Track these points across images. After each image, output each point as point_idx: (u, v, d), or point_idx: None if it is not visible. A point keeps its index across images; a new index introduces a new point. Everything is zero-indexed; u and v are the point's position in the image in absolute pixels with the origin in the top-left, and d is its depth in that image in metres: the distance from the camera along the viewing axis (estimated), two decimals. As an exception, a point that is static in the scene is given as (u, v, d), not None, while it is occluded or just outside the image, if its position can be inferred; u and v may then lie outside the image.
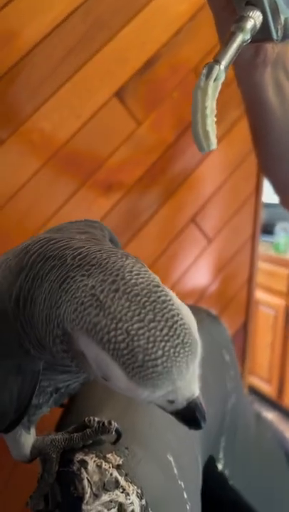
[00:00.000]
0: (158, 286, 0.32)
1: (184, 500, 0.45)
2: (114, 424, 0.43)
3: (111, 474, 0.40)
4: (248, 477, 0.80)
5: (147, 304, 0.31)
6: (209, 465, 0.71)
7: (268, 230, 2.37)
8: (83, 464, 0.40)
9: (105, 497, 0.38)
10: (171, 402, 0.33)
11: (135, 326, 0.31)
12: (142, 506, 0.39)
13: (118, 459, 0.41)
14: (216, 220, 1.25)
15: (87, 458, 0.41)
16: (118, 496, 0.38)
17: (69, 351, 0.35)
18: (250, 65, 0.55)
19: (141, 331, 0.30)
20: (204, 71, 0.42)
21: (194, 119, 0.44)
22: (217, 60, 0.42)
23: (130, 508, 0.38)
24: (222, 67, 0.41)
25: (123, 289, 0.32)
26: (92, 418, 0.44)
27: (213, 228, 1.24)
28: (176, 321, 0.31)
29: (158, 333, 0.31)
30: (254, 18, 0.43)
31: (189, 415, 0.33)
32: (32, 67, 0.93)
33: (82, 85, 0.98)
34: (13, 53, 0.92)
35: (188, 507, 0.46)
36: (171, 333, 0.31)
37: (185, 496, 0.46)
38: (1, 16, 0.90)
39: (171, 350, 0.31)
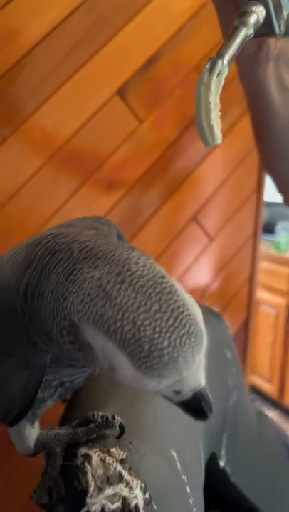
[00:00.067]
0: (164, 278, 0.33)
1: (187, 495, 0.45)
2: (118, 419, 0.43)
3: (115, 468, 0.40)
4: (250, 474, 0.80)
5: (153, 294, 0.32)
6: (211, 462, 0.71)
7: (269, 229, 2.37)
8: (87, 458, 0.41)
9: (109, 490, 0.38)
10: (178, 392, 0.33)
11: (141, 316, 0.31)
12: (145, 500, 0.39)
13: (122, 453, 0.41)
14: (217, 219, 1.25)
15: (91, 452, 0.41)
16: (122, 489, 0.38)
17: (76, 342, 0.35)
18: (252, 60, 0.55)
19: (147, 322, 0.31)
20: (207, 66, 0.42)
21: (198, 114, 0.44)
22: (220, 55, 0.42)
23: (134, 502, 0.38)
24: (225, 61, 0.41)
25: (129, 280, 0.32)
26: (96, 413, 0.44)
27: (215, 226, 1.24)
28: (182, 312, 0.31)
29: (164, 323, 0.31)
30: (257, 13, 0.43)
31: (195, 406, 0.33)
32: (34, 66, 0.93)
33: (83, 83, 0.98)
34: (14, 51, 0.92)
35: (191, 501, 0.46)
36: (177, 324, 0.31)
37: (188, 490, 0.46)
38: (2, 14, 0.90)
39: (177, 341, 0.31)
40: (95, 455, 0.41)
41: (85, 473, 0.39)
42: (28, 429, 0.44)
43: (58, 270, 0.35)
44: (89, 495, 0.38)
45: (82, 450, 0.42)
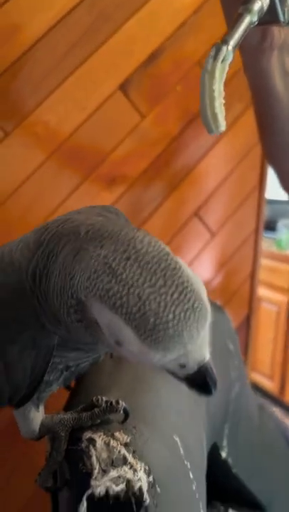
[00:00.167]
0: (168, 255, 0.33)
1: (190, 480, 0.46)
2: (122, 404, 0.44)
3: (119, 451, 0.40)
4: (251, 466, 0.80)
5: (158, 270, 0.32)
6: (213, 452, 0.71)
7: (271, 226, 2.38)
8: (91, 441, 0.41)
9: (113, 473, 0.39)
10: (183, 366, 0.34)
11: (146, 291, 0.31)
12: (149, 483, 0.39)
13: (126, 437, 0.42)
14: (219, 214, 1.25)
15: (95, 436, 0.41)
16: (126, 472, 0.39)
17: (83, 320, 0.36)
18: (257, 49, 0.55)
19: (152, 296, 0.31)
20: (212, 52, 0.42)
21: (202, 102, 0.44)
22: (225, 41, 0.42)
23: (138, 484, 0.38)
24: (230, 47, 0.42)
25: (134, 257, 0.33)
26: (100, 397, 0.45)
27: (217, 222, 1.24)
28: (187, 287, 0.32)
29: (169, 297, 0.31)
30: (261, 0, 0.43)
31: (200, 380, 0.34)
32: (36, 61, 0.94)
33: (86, 78, 0.99)
34: (16, 47, 0.92)
35: (194, 486, 0.46)
36: (181, 298, 0.32)
37: (191, 475, 0.46)
38: (4, 10, 0.90)
39: (182, 314, 0.31)
40: (100, 439, 0.41)
41: (89, 457, 0.40)
42: (33, 413, 0.45)
43: (65, 251, 0.36)
44: (93, 477, 0.38)
45: (87, 434, 0.42)
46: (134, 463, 0.39)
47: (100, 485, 0.38)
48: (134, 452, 0.40)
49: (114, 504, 0.38)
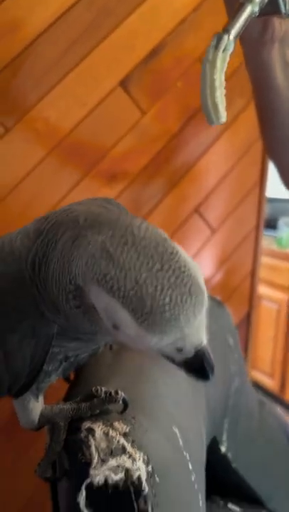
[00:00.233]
0: (166, 240, 0.34)
1: (189, 471, 0.46)
2: (121, 394, 0.44)
3: (118, 441, 0.40)
4: (251, 461, 0.80)
5: (155, 255, 0.32)
6: (212, 447, 0.71)
7: (271, 224, 2.37)
8: (90, 431, 0.41)
9: (112, 462, 0.39)
10: (179, 350, 0.34)
11: (143, 275, 0.32)
12: (148, 472, 0.39)
13: (125, 427, 0.42)
14: (219, 211, 1.25)
15: (94, 426, 0.42)
16: (125, 461, 0.39)
17: (81, 306, 0.36)
18: (258, 42, 0.56)
19: (149, 280, 0.32)
20: (213, 41, 0.43)
21: (203, 92, 0.44)
22: (226, 30, 0.42)
23: (137, 474, 0.38)
24: (231, 37, 0.42)
25: (132, 242, 0.33)
26: (99, 388, 0.45)
27: (217, 219, 1.24)
28: (183, 272, 0.32)
29: (165, 281, 0.32)
30: None
31: (197, 364, 0.34)
32: (36, 57, 0.94)
33: (86, 74, 0.99)
34: (17, 42, 0.92)
35: (192, 477, 0.46)
36: (178, 282, 0.32)
37: (190, 467, 0.46)
38: (5, 5, 0.90)
39: (178, 298, 0.31)
40: (99, 429, 0.41)
41: (88, 446, 0.40)
42: (32, 403, 0.45)
43: (64, 238, 0.36)
44: (92, 466, 0.38)
45: (86, 424, 0.42)
46: (133, 452, 0.40)
47: (99, 474, 0.38)
48: (133, 442, 0.40)
49: (113, 493, 0.38)
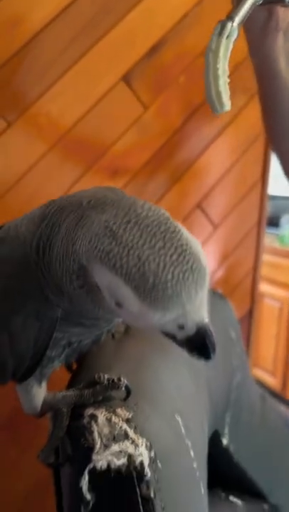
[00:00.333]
0: (168, 219, 0.34)
1: (191, 458, 0.46)
2: (124, 381, 0.44)
3: (120, 427, 0.40)
4: (253, 455, 0.80)
5: (158, 233, 0.33)
6: (214, 439, 0.72)
7: (274, 222, 2.37)
8: (93, 417, 0.41)
9: (115, 447, 0.39)
10: (181, 327, 0.34)
11: (146, 252, 0.32)
12: (150, 458, 0.39)
13: (127, 413, 0.42)
14: (222, 207, 1.25)
15: (97, 412, 0.42)
16: (127, 446, 0.39)
17: (84, 285, 0.36)
18: (262, 31, 0.56)
19: (151, 257, 0.32)
20: (217, 29, 0.43)
21: (207, 81, 0.44)
22: (230, 17, 0.42)
23: (139, 459, 0.39)
24: (235, 24, 0.42)
25: (135, 221, 0.33)
26: (102, 375, 0.45)
27: (219, 214, 1.24)
28: (185, 249, 0.33)
29: (168, 258, 0.32)
30: None
31: (199, 342, 0.34)
32: (38, 52, 0.94)
33: (88, 70, 0.99)
34: (19, 38, 0.93)
35: (194, 465, 0.46)
36: (180, 259, 0.32)
37: (192, 454, 0.46)
38: (7, 0, 0.91)
39: (181, 275, 0.32)
40: (101, 415, 0.41)
41: (91, 432, 0.40)
42: (35, 389, 0.45)
43: (68, 220, 0.37)
44: (95, 451, 0.39)
45: (89, 410, 0.42)
46: (136, 438, 0.40)
47: (102, 459, 0.38)
48: (135, 428, 0.40)
49: (115, 478, 0.38)
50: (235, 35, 0.43)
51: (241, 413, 0.79)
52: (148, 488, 0.38)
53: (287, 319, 2.31)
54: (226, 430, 0.75)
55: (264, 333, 2.30)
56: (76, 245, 0.35)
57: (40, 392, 0.46)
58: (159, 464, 0.40)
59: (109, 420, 0.41)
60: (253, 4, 0.43)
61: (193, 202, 1.20)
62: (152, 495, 0.38)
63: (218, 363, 0.71)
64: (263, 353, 2.41)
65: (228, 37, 0.43)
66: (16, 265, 0.40)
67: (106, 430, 0.40)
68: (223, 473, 0.76)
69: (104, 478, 0.38)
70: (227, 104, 0.45)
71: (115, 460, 0.38)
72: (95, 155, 1.04)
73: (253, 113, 1.11)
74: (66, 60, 0.97)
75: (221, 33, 0.43)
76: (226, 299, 0.84)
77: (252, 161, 1.25)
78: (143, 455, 0.39)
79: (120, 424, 0.40)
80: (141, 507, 0.38)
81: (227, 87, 0.45)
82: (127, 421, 0.41)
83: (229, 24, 0.42)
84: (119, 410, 0.42)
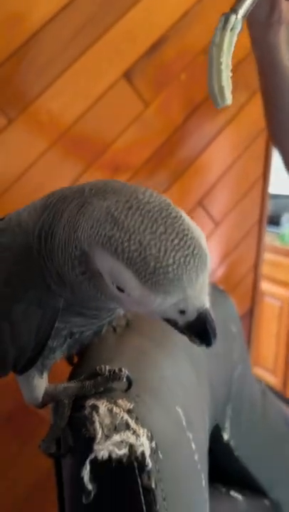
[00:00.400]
0: (170, 205, 0.34)
1: (192, 450, 0.46)
2: (125, 372, 0.44)
3: (122, 418, 0.40)
4: (254, 450, 0.80)
5: (159, 218, 0.33)
6: (215, 434, 0.72)
7: (275, 221, 2.37)
8: (95, 408, 0.41)
9: (116, 437, 0.39)
10: (182, 312, 0.34)
11: (147, 237, 0.32)
12: (151, 448, 0.39)
13: (129, 404, 0.42)
14: (223, 204, 1.25)
15: (98, 403, 0.42)
16: (129, 437, 0.39)
17: (86, 272, 0.37)
18: (265, 24, 0.57)
19: (153, 242, 0.32)
20: (220, 22, 0.43)
21: (209, 75, 0.44)
22: (234, 10, 0.43)
23: (140, 449, 0.39)
24: (239, 16, 0.42)
25: (136, 206, 0.34)
26: (103, 366, 0.45)
27: (221, 212, 1.24)
28: (187, 234, 0.33)
29: (169, 243, 0.32)
30: None
31: (200, 328, 0.34)
32: (39, 49, 0.94)
33: (90, 66, 0.99)
34: (20, 34, 0.93)
35: (196, 457, 0.46)
36: (181, 244, 0.32)
37: (193, 446, 0.46)
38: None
39: (182, 259, 0.32)
40: (103, 405, 0.41)
41: (92, 422, 0.40)
42: (36, 379, 0.45)
43: (70, 208, 0.37)
44: (96, 441, 0.39)
45: (90, 401, 0.42)
46: (137, 428, 0.40)
47: (103, 449, 0.38)
48: (136, 419, 0.41)
49: (116, 468, 0.38)
50: (239, 28, 0.43)
51: (242, 406, 0.79)
52: (149, 478, 0.38)
53: (287, 318, 2.31)
54: (227, 424, 0.75)
55: (265, 331, 2.30)
56: (78, 232, 0.35)
57: (41, 383, 0.46)
58: (160, 455, 0.40)
59: (110, 411, 0.41)
60: None
61: (195, 199, 1.20)
62: (153, 485, 0.38)
63: (219, 356, 0.71)
64: (263, 351, 2.41)
65: (231, 30, 0.43)
66: (17, 253, 0.40)
67: (107, 420, 0.40)
68: (224, 468, 0.76)
69: (105, 469, 0.38)
70: (229, 98, 0.45)
71: (116, 450, 0.38)
72: (96, 152, 1.04)
73: (255, 110, 1.11)
74: (67, 57, 0.97)
75: (224, 26, 0.43)
76: (226, 294, 0.84)
77: (253, 158, 1.25)
78: (144, 445, 0.39)
79: (121, 415, 0.41)
80: (142, 497, 0.38)
81: (230, 81, 0.45)
82: (128, 412, 0.41)
83: (233, 17, 0.43)
84: (120, 401, 0.42)
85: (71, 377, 0.51)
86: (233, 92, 0.47)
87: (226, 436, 0.74)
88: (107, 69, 1.01)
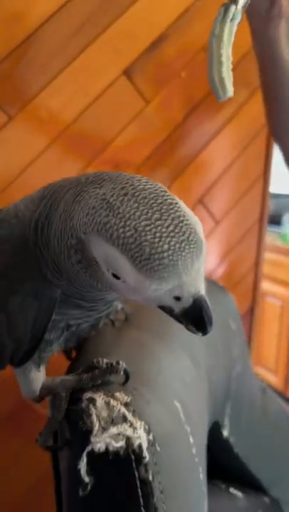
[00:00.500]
0: (165, 192, 0.34)
1: (190, 444, 0.46)
2: (123, 365, 0.44)
3: (119, 410, 0.40)
4: (254, 448, 0.80)
5: (154, 205, 0.33)
6: (214, 431, 0.71)
7: (276, 220, 2.37)
8: (92, 401, 0.41)
9: (113, 430, 0.39)
10: (178, 299, 0.34)
11: (143, 223, 0.32)
12: (149, 441, 0.39)
13: (126, 397, 0.42)
14: (223, 202, 1.25)
15: (95, 396, 0.42)
16: (126, 429, 0.39)
17: (82, 260, 0.36)
18: (265, 17, 0.57)
19: (148, 228, 0.32)
20: (220, 14, 0.43)
21: (210, 67, 0.44)
22: (234, 0, 0.42)
23: (137, 442, 0.38)
24: (239, 6, 0.42)
25: (132, 193, 0.34)
26: (100, 359, 0.45)
27: (221, 210, 1.24)
28: (182, 221, 0.33)
29: (164, 229, 0.32)
30: None
31: (195, 314, 0.34)
32: (39, 46, 0.94)
33: (90, 63, 0.99)
34: (20, 31, 0.92)
35: (194, 451, 0.46)
36: (177, 230, 0.32)
37: (191, 440, 0.46)
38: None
39: (177, 246, 0.32)
40: (100, 398, 0.41)
41: (89, 415, 0.40)
42: (33, 373, 0.45)
43: (66, 197, 0.37)
44: (93, 434, 0.39)
45: (87, 394, 0.42)
46: (134, 421, 0.40)
47: (100, 441, 0.38)
48: (134, 412, 0.40)
49: (113, 460, 0.38)
50: (238, 19, 0.43)
51: (242, 404, 0.79)
52: (146, 470, 0.38)
53: (288, 317, 2.31)
54: (226, 421, 0.74)
55: (266, 331, 2.30)
56: (74, 220, 0.35)
57: (38, 376, 0.46)
58: (158, 448, 0.40)
59: (107, 404, 0.41)
60: None
61: (195, 197, 1.20)
62: (150, 478, 0.38)
63: (218, 353, 0.71)
64: (264, 351, 2.40)
65: (231, 20, 0.43)
66: (13, 244, 0.40)
67: (104, 413, 0.40)
68: (224, 465, 0.76)
69: (102, 461, 0.38)
70: (230, 91, 0.45)
71: (113, 442, 0.38)
72: (96, 149, 1.04)
73: (255, 107, 1.11)
74: (68, 53, 0.97)
75: (224, 17, 0.43)
76: (226, 291, 0.84)
77: (254, 156, 1.25)
78: (141, 438, 0.39)
79: (118, 408, 0.40)
80: (139, 489, 0.38)
81: (230, 73, 0.45)
82: (126, 405, 0.41)
83: (233, 7, 0.42)
84: (117, 394, 0.42)
85: (69, 370, 0.51)
86: (234, 89, 0.47)
87: (225, 433, 0.74)
88: (107, 67, 1.01)
